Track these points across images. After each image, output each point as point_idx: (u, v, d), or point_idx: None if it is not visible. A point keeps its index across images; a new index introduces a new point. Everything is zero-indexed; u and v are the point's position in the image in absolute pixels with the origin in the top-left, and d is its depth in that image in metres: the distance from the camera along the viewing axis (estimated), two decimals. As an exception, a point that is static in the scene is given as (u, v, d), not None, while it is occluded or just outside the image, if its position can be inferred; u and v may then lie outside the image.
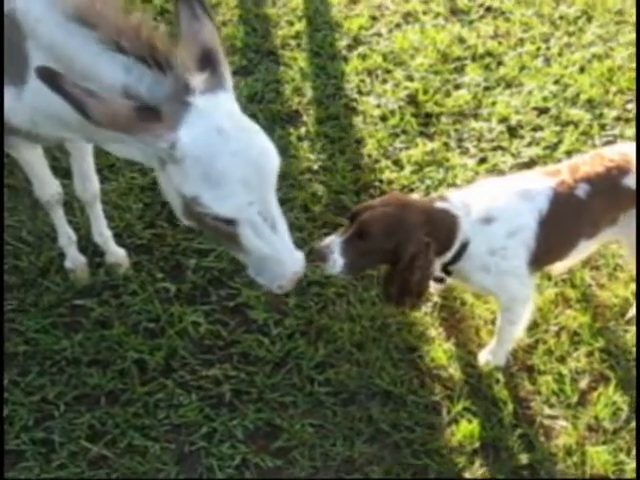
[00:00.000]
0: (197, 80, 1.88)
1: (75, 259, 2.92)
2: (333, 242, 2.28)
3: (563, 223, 2.41)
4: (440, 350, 2.72)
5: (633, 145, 2.53)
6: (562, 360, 2.70)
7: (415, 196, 3.10)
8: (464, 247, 2.35)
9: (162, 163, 1.93)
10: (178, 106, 1.84)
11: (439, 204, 2.36)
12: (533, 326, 2.75)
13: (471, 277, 2.45)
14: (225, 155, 1.85)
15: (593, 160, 2.46)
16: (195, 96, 1.86)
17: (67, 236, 2.88)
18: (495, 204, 2.39)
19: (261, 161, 1.92)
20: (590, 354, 2.72)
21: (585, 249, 2.59)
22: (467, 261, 2.38)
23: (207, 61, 1.92)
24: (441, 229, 2.31)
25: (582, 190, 2.39)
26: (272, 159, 1.96)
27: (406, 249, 2.23)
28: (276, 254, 2.02)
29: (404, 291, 2.33)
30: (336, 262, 2.26)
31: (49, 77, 1.73)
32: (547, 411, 2.58)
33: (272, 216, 1.98)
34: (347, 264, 2.27)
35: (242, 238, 1.98)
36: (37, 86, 1.97)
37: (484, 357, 2.67)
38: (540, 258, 2.44)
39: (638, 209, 2.41)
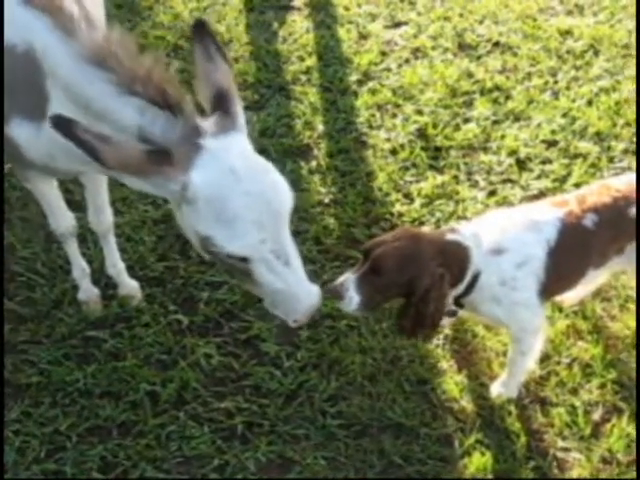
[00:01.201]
0: (208, 122, 1.92)
1: (88, 291, 2.94)
2: (348, 279, 2.29)
3: (571, 253, 2.42)
4: (452, 382, 2.71)
5: (640, 175, 2.56)
6: (574, 392, 2.69)
7: (426, 229, 3.12)
8: (475, 278, 2.36)
9: (177, 203, 1.96)
10: (190, 148, 1.88)
11: (450, 236, 2.38)
12: (545, 358, 2.74)
13: (482, 308, 2.45)
14: (237, 196, 1.88)
15: (600, 190, 2.48)
16: (206, 138, 1.89)
17: (81, 268, 2.91)
18: (505, 235, 2.40)
19: (273, 200, 1.94)
20: (603, 386, 2.71)
21: (593, 279, 2.61)
22: (478, 292, 2.39)
23: (220, 102, 1.96)
24: (453, 261, 2.32)
25: (590, 220, 2.41)
26: (284, 198, 1.98)
27: (420, 282, 2.24)
28: (290, 289, 2.04)
29: (418, 323, 2.33)
30: (352, 299, 2.27)
31: (61, 124, 1.78)
32: (560, 443, 2.57)
33: (285, 252, 1.99)
34: (363, 301, 2.27)
35: (256, 275, 2.00)
36: None
37: (496, 389, 2.66)
38: (549, 288, 2.45)
39: (638, 218, 2.42)
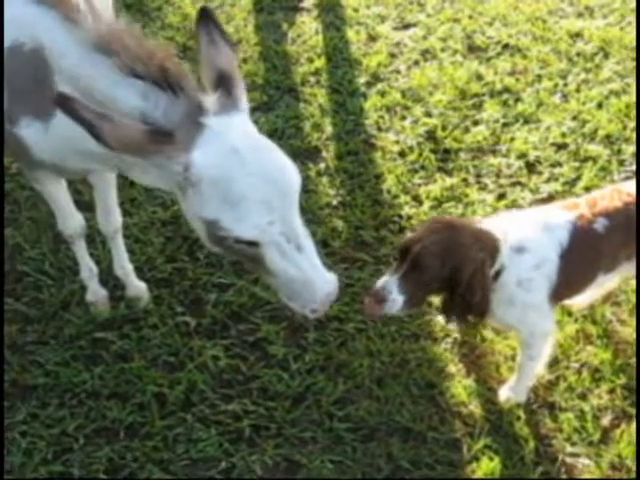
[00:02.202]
0: (210, 101, 1.90)
1: (96, 292, 2.94)
2: (388, 282, 2.25)
3: (582, 257, 2.41)
4: (460, 386, 2.70)
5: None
6: (583, 397, 2.68)
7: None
8: (498, 274, 2.34)
9: (182, 189, 1.92)
10: (191, 127, 1.85)
11: (484, 225, 2.36)
12: (554, 362, 2.73)
13: (495, 311, 2.41)
14: (242, 176, 1.84)
15: (611, 195, 2.47)
16: (209, 117, 1.87)
17: (88, 269, 2.91)
18: (526, 234, 2.38)
19: (280, 180, 1.90)
20: (612, 391, 2.69)
21: (603, 283, 2.59)
22: (497, 292, 2.36)
23: (222, 83, 1.94)
24: (487, 249, 2.29)
25: (600, 224, 2.39)
26: (291, 176, 1.94)
27: (463, 271, 2.22)
28: (304, 276, 1.97)
29: (467, 311, 2.32)
30: (396, 301, 2.24)
31: (63, 101, 1.77)
32: (569, 449, 2.55)
33: (296, 236, 1.94)
34: (407, 300, 2.25)
35: (267, 261, 1.95)
36: (65, 120, 2.02)
37: (505, 394, 2.65)
38: (560, 292, 2.43)
39: (638, 217, 2.41)
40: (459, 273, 2.22)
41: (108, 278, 3.03)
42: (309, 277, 1.98)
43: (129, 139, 1.80)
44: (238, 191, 1.84)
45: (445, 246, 2.23)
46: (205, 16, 2.02)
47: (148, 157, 1.84)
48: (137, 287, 2.98)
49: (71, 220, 2.71)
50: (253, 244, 1.91)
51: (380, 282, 2.29)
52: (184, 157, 1.84)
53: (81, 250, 2.85)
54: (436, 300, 2.69)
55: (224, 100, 1.92)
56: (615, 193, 2.46)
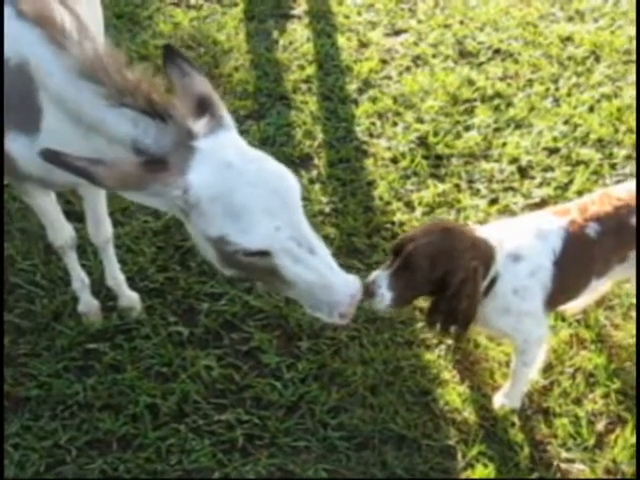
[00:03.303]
0: (198, 125, 1.91)
1: (88, 303, 2.93)
2: (379, 276, 2.25)
3: (575, 263, 2.40)
4: (454, 393, 2.69)
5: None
6: (578, 402, 2.67)
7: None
8: (493, 282, 2.33)
9: (185, 213, 1.93)
10: (184, 152, 1.86)
11: (480, 232, 2.35)
12: (548, 368, 2.72)
13: (490, 319, 2.41)
14: (240, 187, 1.85)
15: (601, 199, 2.46)
16: (199, 140, 1.88)
17: (80, 280, 2.90)
18: (521, 242, 2.38)
19: (278, 185, 1.90)
20: (606, 395, 2.69)
21: (596, 288, 2.59)
22: (491, 300, 2.35)
23: (204, 107, 1.95)
24: (482, 257, 2.28)
25: (592, 229, 2.39)
26: (289, 181, 1.94)
27: (455, 276, 2.20)
28: (322, 279, 1.93)
29: (451, 319, 2.30)
30: (384, 297, 2.23)
31: (54, 158, 1.80)
32: (564, 454, 2.55)
33: (307, 240, 1.92)
34: (395, 297, 2.24)
35: (282, 270, 1.92)
36: (51, 134, 2.02)
37: (499, 400, 2.64)
38: (554, 298, 2.43)
39: (638, 217, 2.40)
40: (449, 278, 2.21)
41: (100, 289, 3.02)
42: (328, 280, 1.94)
43: (125, 176, 1.83)
44: (239, 202, 1.84)
45: (438, 249, 2.22)
46: (170, 53, 2.06)
47: (146, 188, 1.85)
48: (129, 297, 2.97)
49: (61, 231, 2.70)
50: (264, 254, 1.89)
51: (371, 276, 2.29)
52: (181, 181, 1.85)
53: (72, 261, 2.84)
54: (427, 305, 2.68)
55: (210, 122, 1.93)
56: (605, 197, 2.46)
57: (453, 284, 2.21)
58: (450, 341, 2.84)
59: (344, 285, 1.97)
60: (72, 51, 1.91)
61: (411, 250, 2.21)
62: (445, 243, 2.24)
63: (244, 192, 1.85)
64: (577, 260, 2.40)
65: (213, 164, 1.87)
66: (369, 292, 2.23)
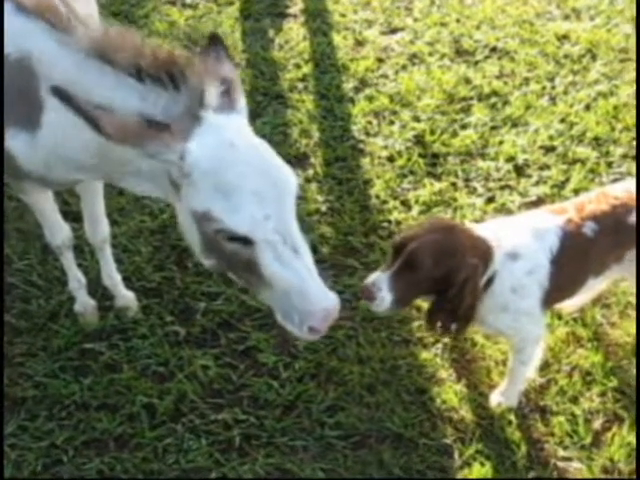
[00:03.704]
0: (212, 95, 1.88)
1: (85, 303, 2.93)
2: (379, 278, 2.21)
3: (572, 261, 2.40)
4: (451, 392, 2.69)
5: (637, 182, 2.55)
6: (575, 400, 2.67)
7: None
8: (490, 281, 2.33)
9: (176, 187, 1.89)
10: (190, 119, 1.84)
11: (479, 231, 2.34)
12: (545, 366, 2.72)
13: (488, 317, 2.40)
14: (236, 165, 1.82)
15: (598, 198, 2.46)
16: (208, 111, 1.86)
17: (77, 280, 2.89)
18: (518, 240, 2.37)
19: (276, 175, 1.87)
20: (603, 394, 2.69)
21: (593, 286, 2.59)
22: (489, 299, 2.35)
23: (224, 86, 1.94)
24: (481, 256, 2.26)
25: (589, 228, 2.39)
26: (288, 176, 1.91)
27: (458, 275, 2.18)
28: (301, 282, 1.87)
29: (453, 317, 2.29)
30: (384, 299, 2.20)
31: (61, 93, 1.78)
32: (561, 453, 2.55)
33: (293, 238, 1.87)
34: (396, 299, 2.21)
35: (262, 264, 1.86)
36: (52, 130, 2.02)
37: (496, 398, 2.64)
38: (551, 297, 2.43)
39: (638, 218, 2.40)
40: (452, 276, 2.19)
41: (96, 288, 3.02)
42: (306, 285, 1.88)
43: (127, 127, 1.80)
44: (232, 180, 1.81)
45: (441, 247, 2.20)
46: (216, 40, 2.05)
47: (145, 146, 1.82)
48: (126, 297, 2.96)
49: (58, 231, 2.69)
50: (247, 242, 1.84)
51: (370, 278, 2.25)
52: (180, 146, 1.82)
53: (69, 261, 2.83)
54: (425, 305, 2.68)
55: (225, 101, 1.91)
56: (602, 196, 2.46)
57: (456, 282, 2.19)
58: (447, 340, 2.84)
59: (321, 296, 1.91)
60: (76, 34, 1.91)
61: (414, 249, 2.18)
62: (448, 241, 2.22)
63: (240, 171, 1.82)
64: (574, 259, 2.40)
65: (216, 138, 1.84)
66: (369, 295, 2.21)
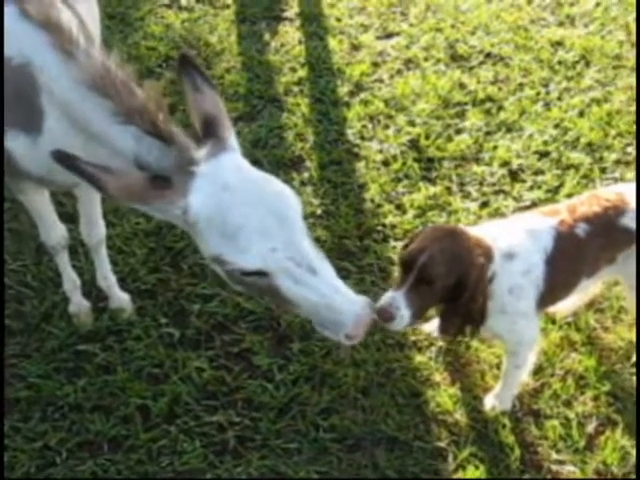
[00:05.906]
0: (200, 152, 1.92)
1: (79, 304, 2.92)
2: (395, 298, 2.19)
3: (565, 262, 2.41)
4: (445, 395, 2.70)
5: (629, 185, 2.56)
6: (568, 404, 2.68)
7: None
8: (489, 283, 2.32)
9: (189, 231, 1.96)
10: (185, 175, 1.88)
11: (476, 232, 2.35)
12: (538, 370, 2.73)
13: (487, 320, 2.40)
14: (235, 207, 1.85)
15: (590, 200, 2.48)
16: (199, 165, 1.89)
17: (71, 281, 2.89)
18: (514, 240, 2.38)
19: (275, 205, 1.89)
20: (596, 398, 2.70)
21: (586, 288, 2.61)
22: (488, 301, 2.33)
23: (210, 127, 1.97)
24: (485, 255, 2.27)
25: (581, 229, 2.40)
26: (288, 202, 1.92)
27: (470, 277, 2.18)
28: (325, 300, 1.89)
29: (468, 319, 2.29)
30: (404, 317, 2.19)
31: (63, 158, 1.81)
32: (554, 456, 2.55)
33: (308, 260, 1.88)
34: (413, 314, 2.20)
35: (283, 290, 1.90)
36: (53, 137, 2.02)
37: (490, 402, 2.65)
38: (545, 298, 2.44)
39: (638, 218, 2.42)
40: (465, 280, 2.19)
41: (91, 289, 3.01)
42: (330, 300, 1.89)
43: (131, 189, 1.84)
44: (233, 223, 1.85)
45: (450, 254, 2.19)
46: (186, 63, 2.05)
47: (150, 204, 1.87)
48: (120, 298, 2.96)
49: (54, 231, 2.69)
50: (262, 274, 1.88)
51: (385, 299, 2.21)
52: (182, 202, 1.87)
53: (64, 262, 2.83)
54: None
55: (213, 144, 1.94)
56: (593, 199, 2.48)
57: (470, 285, 2.19)
58: (442, 343, 2.84)
59: (349, 305, 1.92)
60: (80, 61, 1.90)
61: (425, 262, 2.16)
62: (454, 247, 2.21)
63: (239, 212, 1.85)
64: (567, 259, 2.41)
65: (211, 186, 1.88)
66: (389, 316, 2.18)
